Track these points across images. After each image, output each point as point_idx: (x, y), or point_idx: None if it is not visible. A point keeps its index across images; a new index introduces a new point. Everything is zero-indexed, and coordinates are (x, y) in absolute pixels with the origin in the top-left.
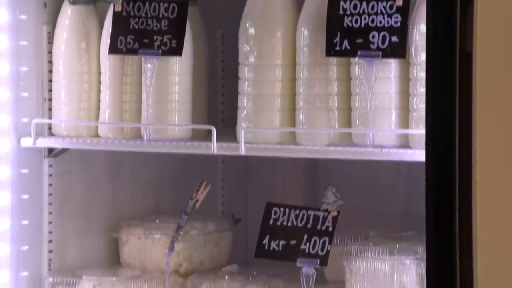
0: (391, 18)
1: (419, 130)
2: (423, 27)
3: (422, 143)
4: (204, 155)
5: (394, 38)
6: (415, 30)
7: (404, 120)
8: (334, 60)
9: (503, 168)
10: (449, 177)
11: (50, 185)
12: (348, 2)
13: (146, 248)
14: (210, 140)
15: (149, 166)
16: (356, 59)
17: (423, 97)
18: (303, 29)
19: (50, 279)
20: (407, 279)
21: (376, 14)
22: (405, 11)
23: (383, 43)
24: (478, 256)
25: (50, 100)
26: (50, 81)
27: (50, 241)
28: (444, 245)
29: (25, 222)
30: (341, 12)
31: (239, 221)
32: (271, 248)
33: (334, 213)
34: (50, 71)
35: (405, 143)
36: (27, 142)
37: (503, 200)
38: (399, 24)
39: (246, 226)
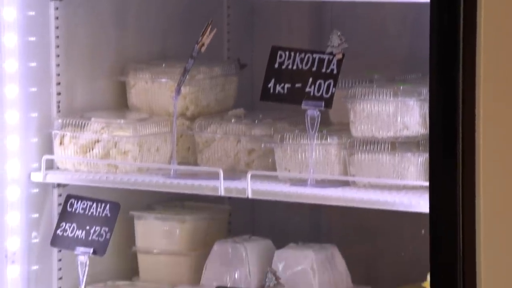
0: None
1: None
2: None
3: None
4: None
5: None
6: None
7: None
8: None
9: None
10: (453, 18)
11: (57, 27)
12: None
13: (153, 92)
14: None
15: (155, 10)
16: None
17: None
18: None
19: (60, 121)
20: (411, 120)
21: None
22: None
23: None
24: (481, 95)
25: None
26: None
27: (58, 84)
28: (447, 86)
29: (33, 64)
30: None
31: (245, 66)
32: (277, 91)
33: (339, 56)
34: None
35: None
36: None
37: (508, 47)
38: None
39: (252, 71)
